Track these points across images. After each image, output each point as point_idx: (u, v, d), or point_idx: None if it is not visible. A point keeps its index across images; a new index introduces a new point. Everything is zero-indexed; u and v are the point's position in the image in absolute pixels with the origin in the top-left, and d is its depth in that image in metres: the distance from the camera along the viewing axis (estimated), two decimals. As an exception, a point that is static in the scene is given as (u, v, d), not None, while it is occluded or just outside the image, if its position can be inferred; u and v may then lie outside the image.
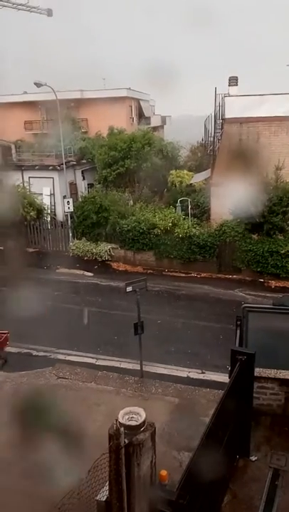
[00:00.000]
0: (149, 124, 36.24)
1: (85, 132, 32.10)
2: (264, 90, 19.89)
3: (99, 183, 25.84)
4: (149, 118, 37.48)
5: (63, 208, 21.71)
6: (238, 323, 8.46)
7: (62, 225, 22.24)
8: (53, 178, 25.47)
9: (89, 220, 20.27)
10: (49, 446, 7.82)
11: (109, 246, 20.02)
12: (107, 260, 19.93)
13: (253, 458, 7.01)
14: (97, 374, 10.84)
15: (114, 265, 19.70)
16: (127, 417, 4.92)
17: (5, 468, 7.38)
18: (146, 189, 24.64)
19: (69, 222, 21.16)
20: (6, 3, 23.05)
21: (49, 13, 24.88)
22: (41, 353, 12.11)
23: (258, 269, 17.66)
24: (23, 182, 24.48)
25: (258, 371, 7.12)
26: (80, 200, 22.94)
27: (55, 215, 24.61)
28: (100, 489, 5.45)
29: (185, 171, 26.15)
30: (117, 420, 4.89)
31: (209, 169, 22.83)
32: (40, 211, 22.44)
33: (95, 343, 12.56)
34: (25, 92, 32.84)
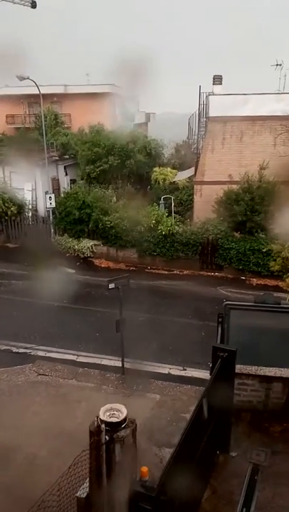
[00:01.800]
0: (133, 120, 36.14)
1: (68, 127, 31.83)
2: (248, 89, 20.09)
3: (82, 179, 25.64)
4: (133, 115, 37.37)
5: (45, 203, 21.47)
6: (220, 320, 8.51)
7: (43, 220, 22.01)
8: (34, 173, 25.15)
9: (71, 217, 20.10)
10: (29, 443, 7.75)
11: (92, 243, 19.90)
12: (90, 257, 19.81)
13: (233, 454, 7.08)
14: (78, 371, 10.77)
15: (97, 262, 19.60)
16: (108, 413, 4.88)
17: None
18: (129, 186, 24.57)
19: (51, 218, 20.96)
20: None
21: (33, 4, 24.53)
22: (21, 350, 11.97)
23: (240, 267, 17.84)
24: (4, 177, 24.10)
25: (238, 368, 7.18)
26: (62, 196, 22.73)
27: (36, 210, 24.33)
28: (80, 486, 5.42)
29: (169, 169, 26.17)
30: (98, 417, 4.86)
31: (193, 167, 22.91)
32: (21, 206, 22.16)
33: (76, 339, 12.48)
34: (7, 86, 32.34)
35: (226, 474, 6.72)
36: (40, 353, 11.79)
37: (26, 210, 22.66)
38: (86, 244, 19.87)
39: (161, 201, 21.43)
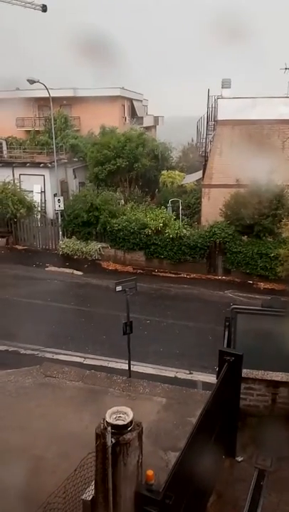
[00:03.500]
0: (142, 124, 36.24)
1: (77, 130, 32.00)
2: (257, 93, 20.07)
3: (90, 182, 25.75)
4: (141, 118, 37.48)
5: (54, 205, 21.60)
6: (227, 324, 8.50)
7: (52, 223, 22.14)
8: (43, 175, 25.33)
9: (79, 219, 20.20)
10: (35, 445, 7.79)
11: (100, 245, 19.98)
12: (97, 259, 19.88)
13: (239, 458, 7.05)
14: (85, 373, 10.79)
15: (104, 264, 19.66)
16: (114, 416, 4.90)
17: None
18: (137, 189, 24.64)
19: (59, 220, 21.08)
20: (0, -2, 22.89)
21: (44, 8, 24.74)
22: (29, 352, 12.03)
23: (248, 271, 17.78)
24: (13, 179, 24.32)
25: (245, 372, 7.16)
26: (70, 198, 22.86)
27: (45, 212, 24.47)
28: (86, 488, 5.43)
29: (177, 172, 26.22)
30: (104, 419, 4.88)
31: (201, 170, 22.91)
32: (30, 209, 22.32)
33: (83, 342, 12.52)
34: (18, 89, 32.60)
35: (232, 479, 6.70)
36: (48, 355, 11.85)
37: (35, 212, 22.81)
38: (94, 246, 19.95)
39: (169, 204, 21.47)
